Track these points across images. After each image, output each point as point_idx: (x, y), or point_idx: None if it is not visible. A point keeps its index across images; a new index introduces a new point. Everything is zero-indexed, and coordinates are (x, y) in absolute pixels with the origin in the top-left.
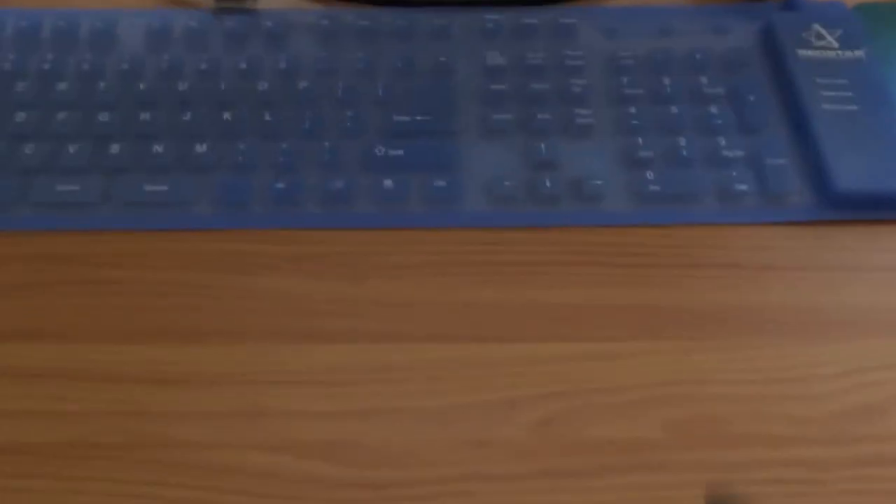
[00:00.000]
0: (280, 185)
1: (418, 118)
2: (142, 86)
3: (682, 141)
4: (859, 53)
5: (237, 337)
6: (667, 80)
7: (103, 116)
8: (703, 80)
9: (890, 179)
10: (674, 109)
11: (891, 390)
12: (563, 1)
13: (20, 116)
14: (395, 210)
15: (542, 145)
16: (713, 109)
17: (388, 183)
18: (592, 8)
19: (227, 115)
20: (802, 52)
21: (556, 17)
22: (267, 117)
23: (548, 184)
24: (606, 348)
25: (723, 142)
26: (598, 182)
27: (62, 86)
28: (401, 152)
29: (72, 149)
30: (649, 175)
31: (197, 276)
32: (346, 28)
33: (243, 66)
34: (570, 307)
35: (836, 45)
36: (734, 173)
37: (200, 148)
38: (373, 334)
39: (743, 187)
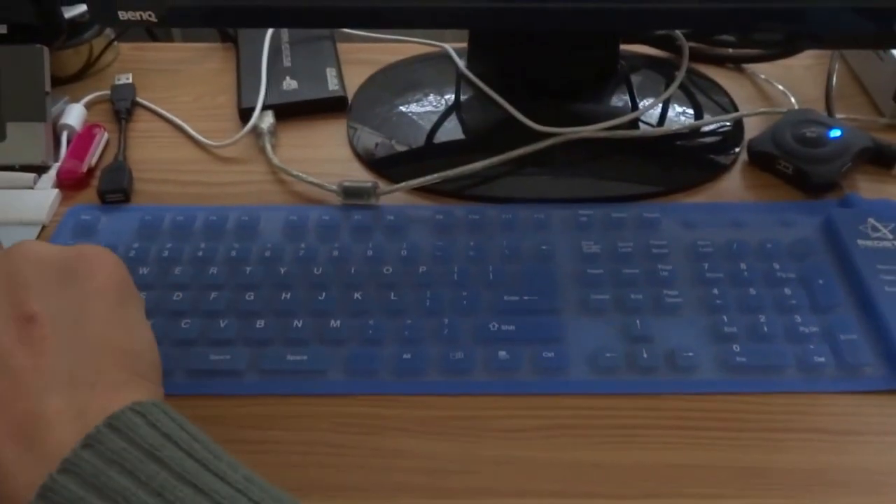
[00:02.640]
0: (406, 356)
1: (525, 298)
2: (282, 270)
3: (763, 318)
4: None
5: (373, 493)
6: (743, 265)
7: (249, 296)
8: (776, 265)
9: None
10: (752, 291)
11: None
12: (646, 198)
13: (177, 295)
14: (509, 378)
15: (637, 321)
16: (787, 291)
17: (502, 354)
18: (672, 204)
19: (357, 295)
20: (862, 243)
21: (641, 212)
22: (392, 297)
23: (645, 355)
24: None
25: (798, 319)
26: (690, 354)
27: (213, 269)
28: (512, 327)
29: (222, 323)
30: (735, 348)
31: (334, 437)
32: (458, 221)
33: (370, 253)
34: (668, 467)
35: (890, 236)
36: (812, 347)
37: (335, 323)
38: (492, 491)
39: (821, 360)
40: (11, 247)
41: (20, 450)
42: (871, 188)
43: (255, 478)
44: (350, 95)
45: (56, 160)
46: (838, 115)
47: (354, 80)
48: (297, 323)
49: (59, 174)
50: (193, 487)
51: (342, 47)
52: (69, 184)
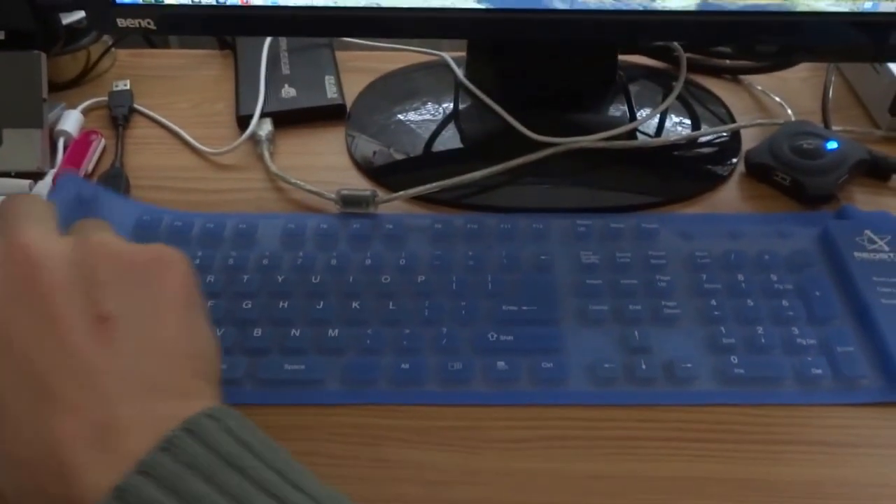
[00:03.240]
0: (405, 366)
1: (524, 308)
2: (280, 278)
3: (760, 329)
4: None
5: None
6: (741, 277)
7: (247, 304)
8: (773, 276)
9: None
10: (750, 302)
11: None
12: (644, 209)
13: None
14: (508, 389)
15: (636, 332)
16: (784, 302)
17: (501, 364)
18: (670, 214)
19: (355, 304)
20: (858, 255)
21: (639, 222)
22: (391, 306)
23: (643, 366)
24: None
25: (796, 331)
26: (688, 365)
27: (210, 278)
28: (511, 337)
29: (219, 332)
30: (733, 359)
31: (332, 448)
32: (457, 230)
33: (368, 261)
34: (666, 479)
35: (886, 248)
36: (809, 359)
37: (332, 332)
38: (492, 502)
39: (818, 371)
40: (85, 235)
41: (93, 451)
42: (867, 200)
43: (326, 488)
44: (348, 103)
45: (52, 167)
46: (835, 127)
47: (353, 87)
48: (295, 332)
49: (54, 181)
50: (275, 498)
51: (340, 55)
52: None
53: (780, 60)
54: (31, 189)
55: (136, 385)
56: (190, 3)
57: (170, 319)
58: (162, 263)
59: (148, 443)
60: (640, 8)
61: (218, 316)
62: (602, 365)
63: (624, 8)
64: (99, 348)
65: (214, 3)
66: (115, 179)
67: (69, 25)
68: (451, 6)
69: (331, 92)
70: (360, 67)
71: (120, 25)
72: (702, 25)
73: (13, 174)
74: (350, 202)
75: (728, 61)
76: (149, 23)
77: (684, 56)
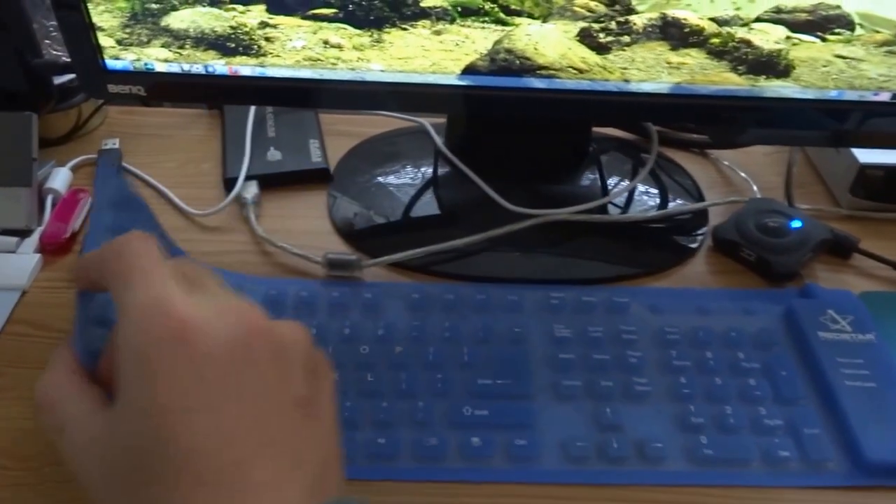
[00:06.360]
0: (381, 441)
1: (499, 381)
2: None
3: (728, 409)
4: (870, 336)
5: None
6: (709, 354)
7: None
8: (741, 354)
9: None
10: (718, 380)
11: None
12: (616, 281)
13: None
14: (482, 466)
15: (608, 409)
16: (752, 381)
17: (475, 440)
18: (640, 288)
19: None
20: (822, 335)
21: (611, 296)
22: (369, 378)
23: (615, 445)
24: None
25: (763, 411)
26: (659, 445)
27: None
28: (486, 412)
29: None
30: (703, 440)
31: None
32: (434, 300)
33: (347, 331)
34: None
35: (849, 328)
36: (776, 440)
37: None
38: None
39: (785, 454)
40: (222, 300)
41: None
42: (829, 278)
43: None
44: (331, 166)
45: (40, 224)
46: (798, 204)
47: (335, 151)
48: None
49: (42, 238)
50: None
51: (324, 118)
52: (52, 249)
53: (745, 140)
54: (17, 247)
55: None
56: (180, 71)
57: (331, 413)
58: (323, 361)
59: None
60: (616, 90)
61: None
62: (575, 443)
63: (600, 89)
64: (309, 431)
65: (204, 72)
66: None
67: (61, 85)
68: (433, 82)
69: (315, 156)
70: (342, 131)
71: (111, 91)
72: (674, 108)
73: (1, 231)
74: (336, 266)
75: (696, 136)
76: (139, 90)
77: (655, 132)
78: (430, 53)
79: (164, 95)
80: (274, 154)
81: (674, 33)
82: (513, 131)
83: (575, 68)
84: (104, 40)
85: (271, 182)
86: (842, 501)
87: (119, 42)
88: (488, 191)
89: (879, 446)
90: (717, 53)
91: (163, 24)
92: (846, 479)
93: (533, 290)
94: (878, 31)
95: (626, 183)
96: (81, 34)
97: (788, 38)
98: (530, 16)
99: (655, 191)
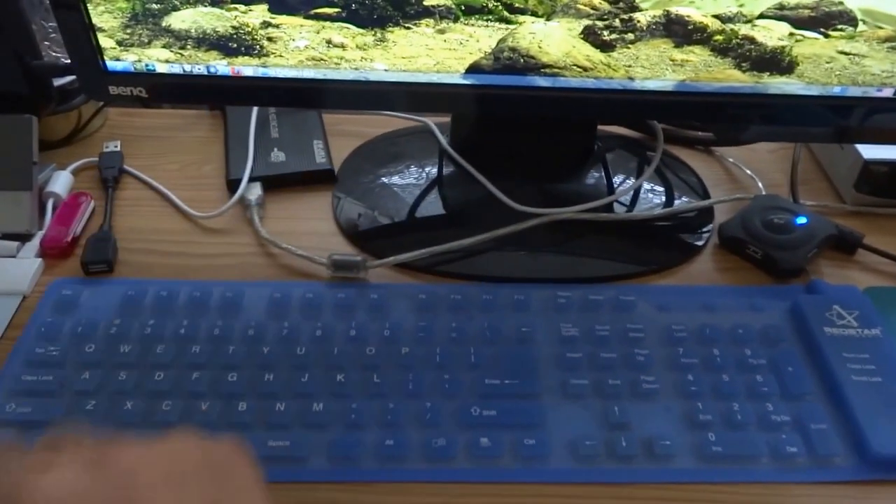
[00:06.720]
0: (389, 442)
1: (506, 381)
2: (265, 350)
3: (736, 406)
4: (876, 331)
5: None
6: (716, 351)
7: (232, 377)
8: (748, 351)
9: None
10: (725, 377)
11: None
12: (622, 279)
13: (159, 375)
14: (491, 466)
15: (616, 408)
16: (759, 378)
17: (484, 441)
18: (647, 286)
19: (340, 377)
20: (828, 330)
21: (617, 294)
22: (375, 379)
23: (623, 443)
24: None
25: (770, 407)
26: (667, 443)
27: (195, 348)
28: (493, 412)
29: (203, 406)
30: (711, 437)
31: None
32: (440, 300)
33: (353, 332)
34: None
35: (855, 324)
36: (784, 436)
37: (317, 406)
38: None
39: (793, 450)
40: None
41: None
42: (834, 273)
43: None
44: (335, 167)
45: (40, 228)
46: (803, 201)
47: (339, 151)
48: (280, 406)
49: (42, 243)
50: None
51: (328, 118)
52: (53, 253)
53: (749, 137)
54: (17, 251)
55: None
56: (181, 72)
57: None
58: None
59: None
60: (620, 87)
61: (202, 389)
62: (583, 442)
63: (605, 87)
64: None
65: (206, 72)
66: (103, 243)
67: (61, 87)
68: (438, 81)
69: (319, 156)
70: (346, 131)
71: (112, 93)
72: (678, 105)
73: (1, 236)
74: (341, 267)
75: (701, 133)
76: (140, 91)
77: (661, 130)
78: (434, 52)
79: (166, 96)
80: (277, 155)
81: (677, 30)
82: (518, 130)
83: (579, 66)
84: (104, 41)
85: (275, 183)
86: (850, 496)
87: (119, 43)
88: (494, 190)
89: (887, 441)
90: (721, 50)
91: (164, 24)
92: (854, 473)
93: (539, 289)
94: (881, 28)
95: (631, 181)
96: (81, 35)
97: (792, 34)
98: (534, 14)
99: (661, 189)
